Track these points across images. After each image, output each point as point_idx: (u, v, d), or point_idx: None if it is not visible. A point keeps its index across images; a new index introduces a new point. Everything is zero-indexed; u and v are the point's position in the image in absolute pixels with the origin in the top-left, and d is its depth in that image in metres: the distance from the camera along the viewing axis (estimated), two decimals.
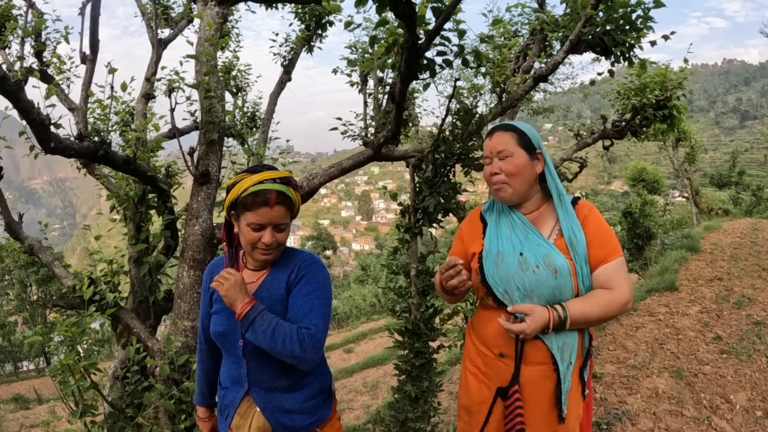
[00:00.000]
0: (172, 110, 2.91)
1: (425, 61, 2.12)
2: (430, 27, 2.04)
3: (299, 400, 1.77)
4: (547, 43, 4.94)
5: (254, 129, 6.77)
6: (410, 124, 4.54)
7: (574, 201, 1.90)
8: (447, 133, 2.68)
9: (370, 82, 3.33)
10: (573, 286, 1.77)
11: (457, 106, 2.66)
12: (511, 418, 1.79)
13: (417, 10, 1.88)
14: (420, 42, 2.00)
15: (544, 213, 1.90)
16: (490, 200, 2.03)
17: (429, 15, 2.09)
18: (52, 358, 22.45)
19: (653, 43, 3.71)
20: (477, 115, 2.66)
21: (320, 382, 1.85)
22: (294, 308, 1.70)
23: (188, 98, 3.21)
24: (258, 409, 1.75)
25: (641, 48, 3.71)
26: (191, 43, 3.04)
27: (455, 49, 2.19)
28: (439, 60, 2.17)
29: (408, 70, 2.10)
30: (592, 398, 1.98)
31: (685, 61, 6.04)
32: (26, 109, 2.39)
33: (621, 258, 1.79)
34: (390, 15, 2.16)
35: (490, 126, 2.50)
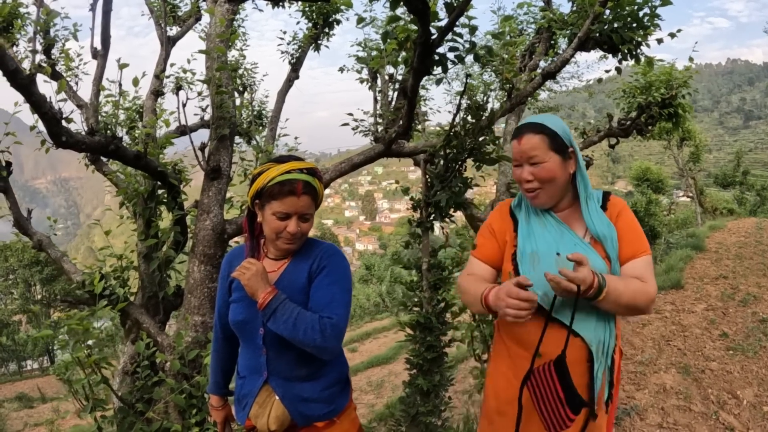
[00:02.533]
0: (184, 105, 2.92)
1: (437, 57, 2.13)
2: (442, 23, 2.05)
3: (318, 389, 1.77)
4: (552, 41, 4.95)
5: (261, 127, 6.79)
6: (417, 122, 4.55)
7: (606, 196, 1.83)
8: (458, 128, 2.69)
9: (380, 79, 3.34)
10: None
11: (468, 102, 2.67)
12: (544, 395, 1.67)
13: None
14: (433, 38, 2.01)
15: (576, 211, 1.82)
16: (519, 196, 1.93)
17: (440, 11, 2.10)
18: (56, 357, 22.53)
19: (660, 41, 3.72)
20: (488, 111, 2.67)
21: (338, 371, 1.85)
22: (315, 298, 1.71)
23: (200, 93, 3.22)
24: (277, 398, 1.76)
25: (648, 46, 3.71)
26: (203, 39, 3.06)
27: (466, 45, 2.20)
28: (451, 56, 2.18)
29: (421, 66, 2.11)
30: (615, 407, 1.92)
31: (691, 60, 6.04)
32: (38, 103, 2.40)
33: (649, 256, 1.74)
34: (401, 11, 2.17)
35: (500, 121, 2.51)
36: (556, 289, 1.57)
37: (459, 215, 3.83)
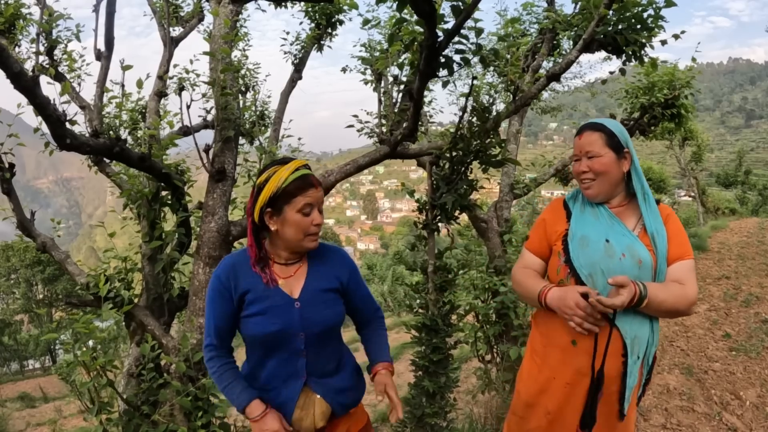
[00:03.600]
0: (188, 107, 2.92)
1: (443, 59, 2.13)
2: (448, 25, 2.05)
3: (346, 379, 1.89)
4: (555, 42, 4.94)
5: (263, 128, 6.79)
6: (420, 123, 4.54)
7: (656, 202, 1.96)
8: (464, 130, 2.69)
9: (384, 80, 3.34)
10: (652, 280, 1.84)
11: (473, 104, 2.66)
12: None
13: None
14: (439, 40, 2.00)
15: (628, 209, 1.97)
16: (574, 190, 2.11)
17: (444, 12, 2.10)
18: (58, 357, 22.56)
19: (664, 42, 3.71)
20: (494, 113, 2.67)
21: (352, 359, 1.98)
22: (363, 301, 1.95)
23: (204, 95, 3.22)
24: (318, 396, 1.81)
25: (652, 47, 3.71)
26: (208, 40, 3.05)
27: (472, 47, 2.19)
28: (457, 58, 2.17)
29: (427, 68, 2.11)
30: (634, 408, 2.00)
31: (693, 60, 6.02)
32: (42, 105, 2.39)
33: (693, 260, 1.87)
34: (406, 13, 2.17)
35: (504, 123, 2.53)
36: (604, 307, 1.73)
37: (462, 216, 3.83)
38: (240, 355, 1.86)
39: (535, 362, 2.07)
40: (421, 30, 2.10)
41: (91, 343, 2.71)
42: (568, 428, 1.95)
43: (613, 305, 1.70)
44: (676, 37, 3.77)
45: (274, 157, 4.16)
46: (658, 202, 1.97)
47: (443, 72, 2.19)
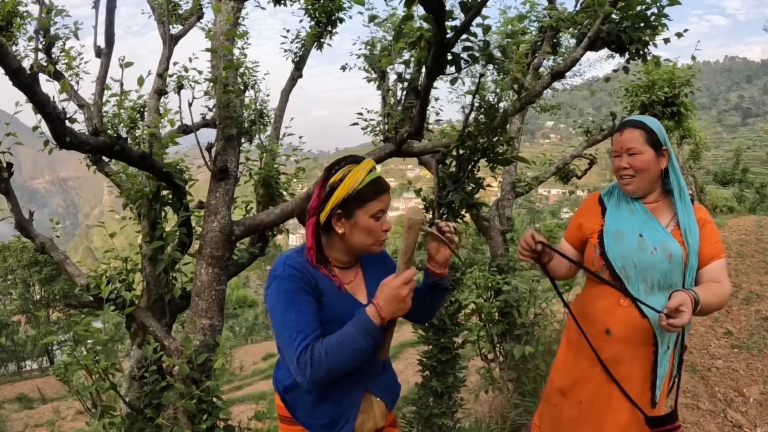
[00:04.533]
0: (190, 105, 2.88)
1: (451, 56, 2.11)
2: (455, 22, 2.02)
3: (391, 375, 1.87)
4: (555, 40, 4.92)
5: (263, 126, 6.76)
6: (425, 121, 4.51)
7: (691, 201, 2.03)
8: (472, 128, 2.66)
9: (387, 78, 3.31)
10: (681, 274, 1.92)
11: (480, 101, 2.64)
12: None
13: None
14: (448, 37, 1.98)
15: (663, 206, 2.05)
16: (609, 186, 2.19)
17: (452, 9, 2.07)
18: (56, 357, 22.50)
19: (667, 41, 3.71)
20: (501, 110, 2.64)
21: None
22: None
23: (207, 93, 3.18)
24: (375, 397, 1.78)
25: (655, 45, 3.70)
26: (209, 37, 3.01)
27: (480, 44, 2.17)
28: (464, 55, 2.15)
29: (435, 65, 2.08)
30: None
31: (693, 58, 6.02)
32: (42, 103, 2.35)
33: (724, 259, 1.96)
34: (414, 10, 2.14)
35: (511, 120, 2.52)
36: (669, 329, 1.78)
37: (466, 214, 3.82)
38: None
39: (571, 351, 2.17)
40: (428, 27, 2.08)
41: (89, 343, 2.67)
42: (598, 420, 2.03)
43: (683, 324, 1.72)
44: (679, 35, 3.76)
45: (276, 156, 4.13)
46: (692, 200, 2.03)
47: (451, 69, 2.16)
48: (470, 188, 2.74)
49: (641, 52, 3.72)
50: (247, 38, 6.64)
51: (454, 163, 2.79)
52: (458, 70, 2.13)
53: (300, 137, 4.42)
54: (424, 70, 2.29)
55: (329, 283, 1.66)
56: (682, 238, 1.94)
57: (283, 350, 1.58)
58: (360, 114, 3.09)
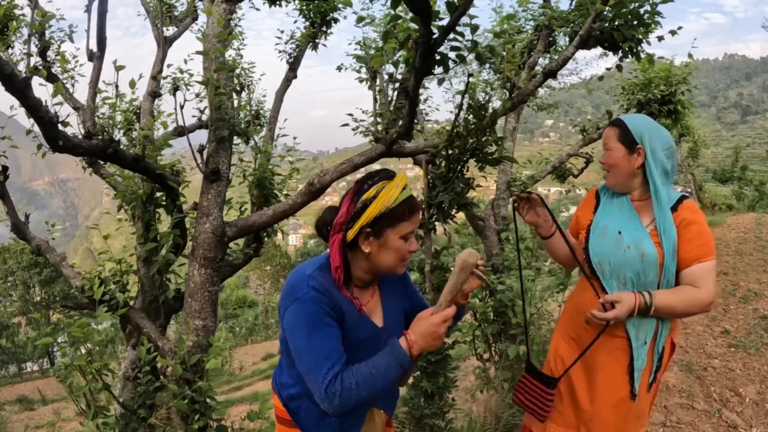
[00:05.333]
0: (181, 107, 2.89)
1: (439, 56, 2.11)
2: (443, 22, 2.03)
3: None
4: (551, 39, 4.92)
5: (259, 127, 6.76)
6: (416, 121, 4.52)
7: (681, 199, 2.02)
8: (461, 128, 2.67)
9: (379, 78, 3.32)
10: (657, 275, 1.95)
11: (469, 101, 2.65)
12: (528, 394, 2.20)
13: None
14: (434, 37, 1.98)
15: (648, 204, 2.06)
16: None
17: (439, 9, 2.08)
18: (56, 359, 22.52)
19: (661, 39, 3.71)
20: (490, 110, 2.65)
21: None
22: (417, 295, 1.89)
23: (197, 95, 3.19)
24: (377, 408, 1.78)
25: (649, 43, 3.70)
26: (201, 39, 3.02)
27: (468, 44, 2.17)
28: (452, 55, 2.16)
29: (422, 65, 2.09)
30: (656, 392, 2.18)
31: (690, 56, 6.02)
32: (34, 107, 2.36)
33: (713, 262, 1.94)
34: (401, 10, 2.14)
35: (500, 121, 2.55)
36: (601, 320, 1.94)
37: (459, 214, 3.82)
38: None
39: (561, 336, 2.28)
40: (416, 27, 2.08)
41: (88, 345, 2.68)
42: (583, 404, 2.13)
43: (605, 318, 1.90)
44: (672, 33, 3.76)
45: (270, 157, 4.14)
46: (683, 198, 2.02)
47: (439, 69, 2.17)
48: (460, 188, 2.75)
49: (635, 50, 3.72)
50: (243, 39, 6.66)
51: (443, 163, 2.80)
52: (446, 70, 2.14)
53: (294, 138, 4.42)
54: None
55: (351, 307, 1.60)
56: (659, 239, 1.95)
57: (306, 376, 1.50)
58: (350, 114, 3.11)
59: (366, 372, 1.45)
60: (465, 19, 2.04)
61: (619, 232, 2.02)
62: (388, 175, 1.59)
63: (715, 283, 1.95)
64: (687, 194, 2.09)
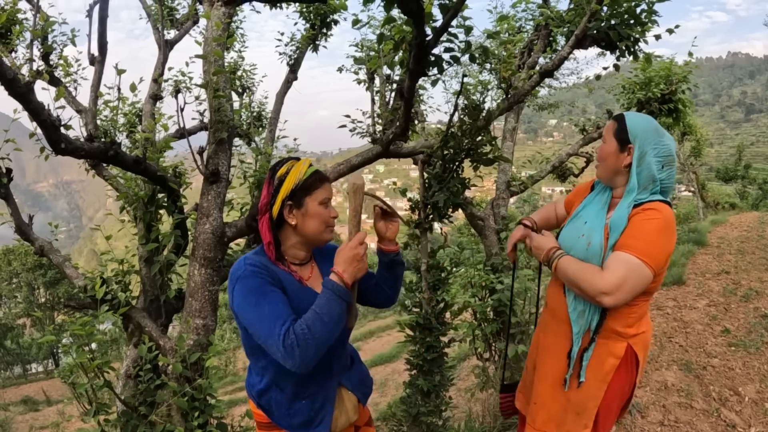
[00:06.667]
0: (182, 110, 2.93)
1: (433, 58, 2.14)
2: (437, 24, 2.06)
3: (362, 369, 1.96)
4: (551, 39, 4.94)
5: (260, 128, 6.80)
6: (416, 121, 4.55)
7: (646, 203, 1.95)
8: (455, 128, 2.70)
9: (377, 80, 3.35)
10: (600, 265, 1.93)
11: (465, 102, 2.68)
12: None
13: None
14: (428, 39, 2.01)
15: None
16: None
17: (435, 11, 2.11)
18: (61, 360, 22.60)
19: (658, 37, 3.71)
20: (485, 111, 2.68)
21: (354, 350, 2.03)
22: (369, 279, 1.95)
23: (197, 98, 3.23)
24: (346, 390, 1.85)
25: (646, 42, 3.71)
26: (199, 43, 3.06)
27: (462, 45, 2.20)
28: (446, 56, 2.18)
29: (416, 67, 2.12)
30: (617, 388, 2.10)
31: (690, 54, 6.01)
32: (37, 111, 2.41)
33: (636, 260, 1.82)
34: (396, 12, 2.18)
35: (500, 119, 2.60)
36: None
37: (460, 214, 3.84)
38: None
39: (540, 327, 2.32)
40: (410, 29, 2.11)
41: (94, 345, 2.72)
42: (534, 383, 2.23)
43: (513, 237, 2.28)
44: (670, 31, 3.76)
45: (270, 158, 4.17)
46: (650, 202, 1.94)
47: (433, 70, 2.20)
48: (455, 188, 2.77)
49: (632, 49, 3.73)
50: (245, 41, 6.70)
51: (439, 163, 2.83)
52: (440, 71, 2.17)
53: (295, 139, 4.46)
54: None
55: (290, 278, 1.73)
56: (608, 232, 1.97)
57: (265, 343, 1.57)
58: (348, 116, 3.14)
59: (312, 315, 1.55)
60: (459, 21, 2.07)
61: (585, 222, 2.07)
62: (294, 159, 1.79)
63: (623, 280, 1.82)
64: (670, 202, 2.03)
